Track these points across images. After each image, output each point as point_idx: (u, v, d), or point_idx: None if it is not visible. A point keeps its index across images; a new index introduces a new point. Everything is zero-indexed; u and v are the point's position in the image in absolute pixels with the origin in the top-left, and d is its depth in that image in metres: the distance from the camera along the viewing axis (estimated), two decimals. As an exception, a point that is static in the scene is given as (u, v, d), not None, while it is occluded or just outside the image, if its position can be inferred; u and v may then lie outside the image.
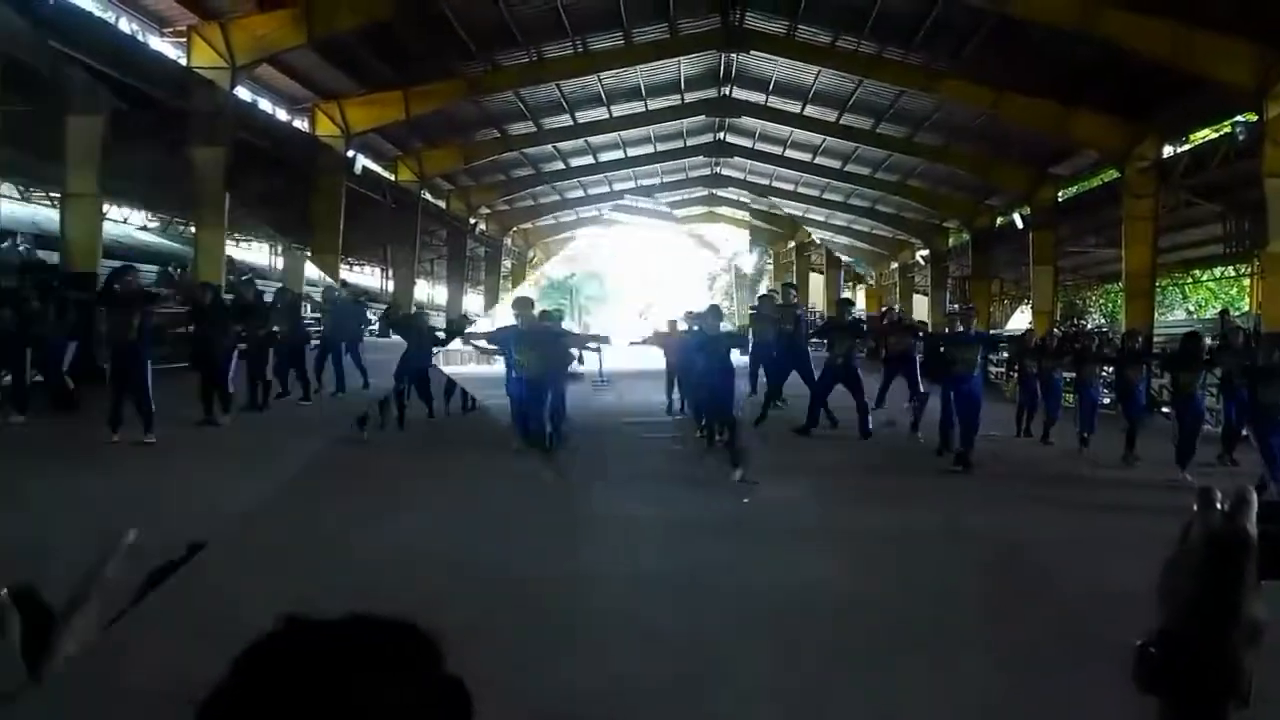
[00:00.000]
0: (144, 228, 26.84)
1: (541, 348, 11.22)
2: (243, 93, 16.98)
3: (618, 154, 29.67)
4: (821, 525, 7.97)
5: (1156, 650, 0.71)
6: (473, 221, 30.07)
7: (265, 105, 19.47)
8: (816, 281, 34.90)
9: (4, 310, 11.63)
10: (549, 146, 27.17)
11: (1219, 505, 0.73)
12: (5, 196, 21.94)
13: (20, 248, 15.68)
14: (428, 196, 27.03)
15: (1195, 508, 0.75)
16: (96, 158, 14.80)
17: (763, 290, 32.46)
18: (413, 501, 8.35)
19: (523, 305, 11.65)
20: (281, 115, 20.12)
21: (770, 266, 45.03)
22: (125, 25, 15.49)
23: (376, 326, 19.39)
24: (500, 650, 4.34)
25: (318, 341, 15.70)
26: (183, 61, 15.65)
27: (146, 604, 4.23)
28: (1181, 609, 0.71)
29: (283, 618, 0.75)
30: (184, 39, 15.78)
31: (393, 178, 24.61)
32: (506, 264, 36.56)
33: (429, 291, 32.29)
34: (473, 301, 34.51)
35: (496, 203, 32.13)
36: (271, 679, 0.70)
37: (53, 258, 14.79)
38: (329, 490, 8.61)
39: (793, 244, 38.95)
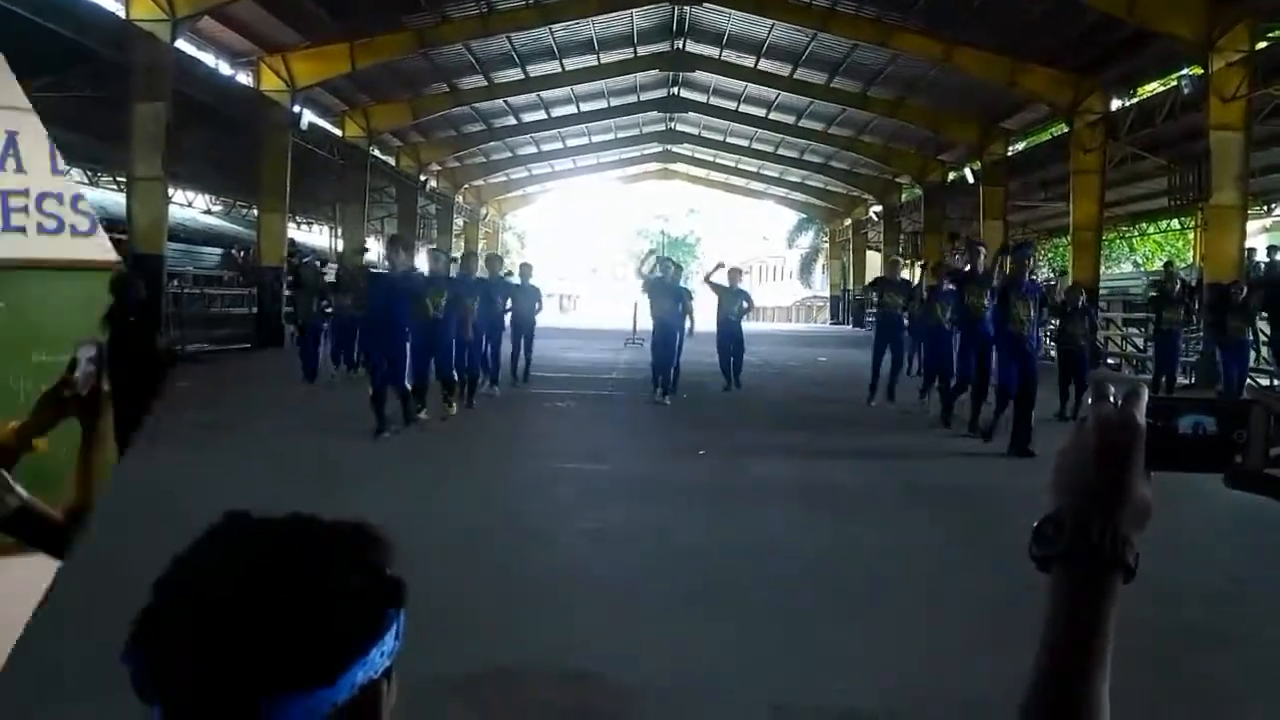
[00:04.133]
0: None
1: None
2: (184, 45, 16.45)
3: (570, 109, 29.31)
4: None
5: (1051, 529, 0.75)
6: (423, 178, 29.60)
7: (208, 59, 18.88)
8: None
9: None
10: (500, 101, 26.73)
11: (1112, 398, 0.78)
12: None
13: None
14: (376, 153, 26.55)
15: (1089, 400, 0.79)
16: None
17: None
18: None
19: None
20: (225, 69, 19.55)
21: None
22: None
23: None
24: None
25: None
26: (121, 13, 15.08)
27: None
28: (1075, 491, 0.76)
29: (226, 513, 0.77)
30: (122, -10, 15.22)
31: (340, 133, 24.11)
32: (458, 221, 36.13)
33: (379, 250, 31.88)
34: (420, 260, 34.07)
35: (447, 159, 31.65)
36: (216, 567, 0.72)
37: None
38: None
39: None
